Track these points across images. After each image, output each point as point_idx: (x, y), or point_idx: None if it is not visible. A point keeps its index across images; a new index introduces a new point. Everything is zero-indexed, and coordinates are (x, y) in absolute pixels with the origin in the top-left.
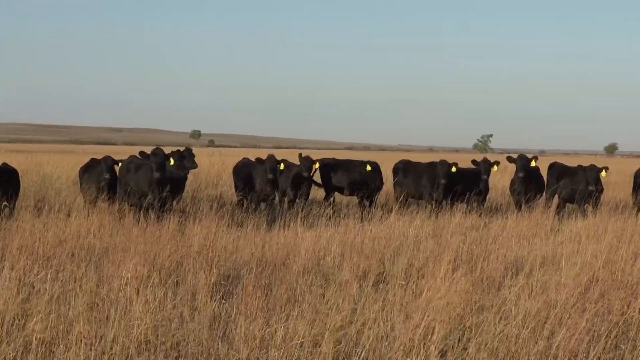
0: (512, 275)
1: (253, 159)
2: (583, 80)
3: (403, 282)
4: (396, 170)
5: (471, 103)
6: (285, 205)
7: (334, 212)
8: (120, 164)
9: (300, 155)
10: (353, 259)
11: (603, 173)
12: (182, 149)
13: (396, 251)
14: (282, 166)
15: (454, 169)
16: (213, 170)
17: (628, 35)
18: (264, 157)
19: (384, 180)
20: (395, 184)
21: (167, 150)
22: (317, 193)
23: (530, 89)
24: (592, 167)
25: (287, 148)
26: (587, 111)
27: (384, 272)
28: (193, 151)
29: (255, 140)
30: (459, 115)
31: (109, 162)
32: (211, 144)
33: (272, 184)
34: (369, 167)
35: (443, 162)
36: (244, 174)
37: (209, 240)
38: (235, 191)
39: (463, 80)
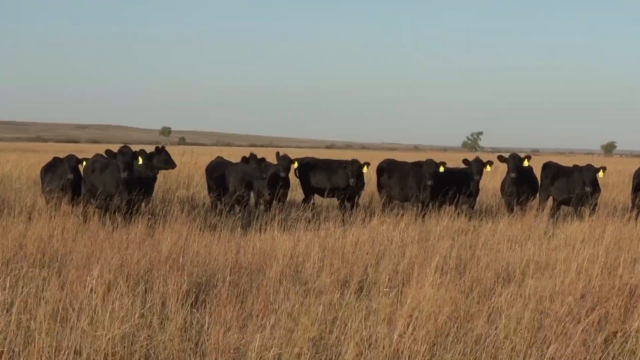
0: (503, 282)
1: (229, 158)
2: (580, 74)
3: (387, 290)
4: (380, 170)
5: (460, 99)
6: (262, 208)
7: (313, 215)
8: (84, 163)
9: (277, 154)
10: (334, 265)
11: (600, 173)
12: (160, 146)
13: (380, 257)
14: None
15: (441, 169)
16: (184, 170)
17: (626, 27)
18: (237, 156)
19: (366, 180)
20: (378, 185)
21: (135, 148)
22: (296, 195)
23: (523, 84)
24: (589, 167)
25: (263, 146)
26: (584, 107)
27: (366, 278)
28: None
29: (229, 137)
30: (447, 111)
31: (73, 161)
32: (182, 141)
33: (249, 185)
34: (366, 169)
35: (430, 162)
36: (218, 174)
37: (180, 245)
38: (208, 192)
39: (451, 75)
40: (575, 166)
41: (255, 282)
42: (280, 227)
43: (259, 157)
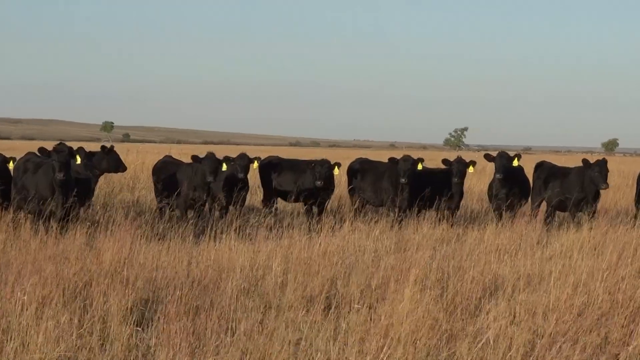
0: (490, 297)
1: (180, 158)
2: (577, 63)
3: (359, 307)
4: (352, 171)
5: (442, 91)
6: (217, 213)
7: (276, 222)
8: (13, 162)
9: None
10: (299, 278)
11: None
12: (109, 146)
13: (351, 269)
14: (224, 167)
15: (419, 167)
16: (129, 171)
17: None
18: (189, 155)
19: (336, 183)
20: (350, 188)
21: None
22: (256, 199)
23: (513, 74)
24: (603, 161)
25: (219, 144)
26: (582, 101)
27: (335, 294)
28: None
29: (180, 134)
30: (428, 105)
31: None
32: (126, 138)
33: (205, 188)
34: (337, 170)
35: (406, 158)
36: (167, 175)
37: (124, 256)
38: (156, 196)
39: (433, 64)
40: (586, 160)
41: (209, 298)
42: (238, 235)
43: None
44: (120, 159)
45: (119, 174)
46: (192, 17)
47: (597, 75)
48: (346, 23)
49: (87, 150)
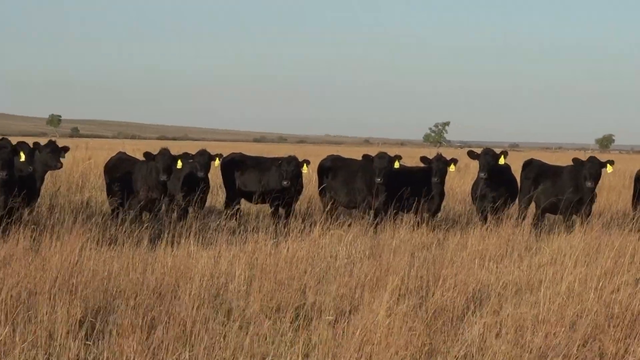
0: (475, 308)
1: (134, 155)
2: (568, 52)
3: (331, 318)
4: (322, 169)
5: (422, 82)
6: (175, 216)
7: (239, 225)
8: None
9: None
10: (264, 287)
11: (609, 168)
12: (54, 138)
13: (321, 277)
14: (179, 164)
15: (396, 165)
16: (77, 169)
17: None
18: (142, 151)
19: (305, 182)
20: (320, 188)
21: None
22: (217, 199)
23: (499, 66)
24: (593, 159)
25: (176, 139)
26: (575, 93)
27: (305, 304)
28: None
29: (134, 128)
30: (406, 97)
31: None
32: (75, 132)
33: (161, 188)
34: (305, 169)
35: (382, 156)
36: (120, 173)
37: (72, 263)
38: (108, 197)
39: (411, 54)
40: (576, 159)
41: (166, 308)
42: (198, 239)
43: (174, 152)
44: (54, 154)
45: (66, 172)
46: (148, 4)
47: (590, 66)
48: (317, 11)
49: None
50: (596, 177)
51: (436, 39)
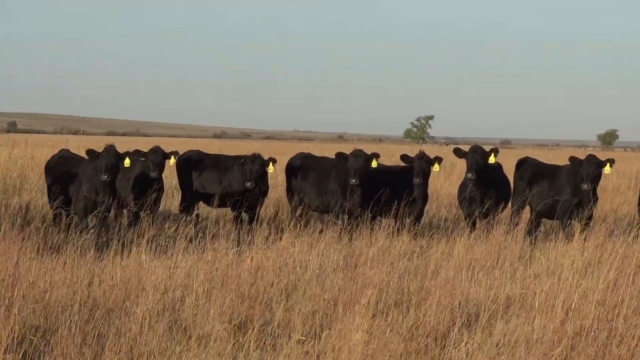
0: (462, 325)
1: (79, 152)
2: (566, 40)
3: (302, 337)
4: (291, 168)
5: (402, 72)
6: (125, 221)
7: (197, 232)
8: None
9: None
10: (225, 301)
11: (607, 168)
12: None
13: (290, 290)
14: (127, 162)
15: (374, 164)
16: (15, 169)
17: None
18: (92, 148)
19: (272, 183)
20: (289, 189)
21: None
22: (172, 202)
23: (488, 53)
24: (591, 158)
25: (126, 135)
26: (574, 84)
27: (271, 321)
28: None
29: (78, 122)
30: (384, 89)
31: None
32: (12, 127)
33: (108, 189)
34: (271, 168)
35: (357, 154)
36: (64, 173)
37: (9, 273)
38: (49, 200)
39: (390, 41)
40: (573, 158)
41: (115, 325)
42: (151, 248)
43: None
44: None
45: (3, 172)
46: None
47: (591, 54)
48: None
49: None
50: (594, 178)
51: (418, 24)
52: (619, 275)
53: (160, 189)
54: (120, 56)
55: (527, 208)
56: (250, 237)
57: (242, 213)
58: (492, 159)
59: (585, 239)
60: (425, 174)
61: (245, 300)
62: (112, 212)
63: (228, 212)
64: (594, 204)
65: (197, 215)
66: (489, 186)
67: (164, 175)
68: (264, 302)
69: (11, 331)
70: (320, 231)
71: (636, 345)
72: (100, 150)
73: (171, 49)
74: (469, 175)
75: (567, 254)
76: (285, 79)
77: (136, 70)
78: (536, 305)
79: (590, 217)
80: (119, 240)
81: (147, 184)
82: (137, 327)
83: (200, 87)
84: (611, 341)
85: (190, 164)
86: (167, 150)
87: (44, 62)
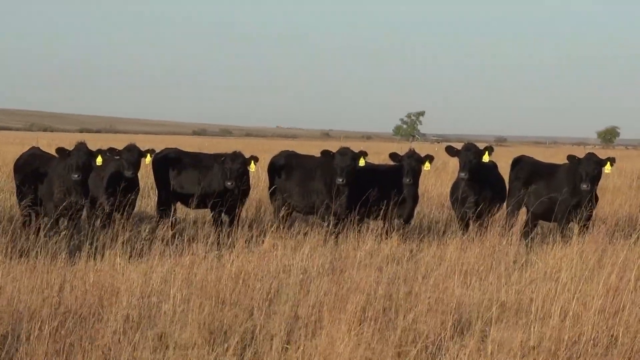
0: (454, 333)
1: (50, 150)
2: (564, 33)
3: (285, 345)
4: (274, 167)
5: (392, 67)
6: (98, 222)
7: (175, 234)
8: None
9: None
10: (204, 308)
11: (607, 167)
12: None
13: (272, 296)
14: (99, 160)
15: (361, 163)
16: None
17: None
18: (64, 146)
19: (253, 183)
20: (272, 190)
21: None
22: (149, 203)
23: (482, 47)
24: (591, 156)
25: (100, 132)
26: (572, 78)
27: (253, 328)
28: None
29: (49, 119)
30: (373, 84)
31: None
32: None
33: (80, 189)
34: (253, 167)
35: (344, 152)
36: (33, 172)
37: None
38: (18, 200)
39: (379, 34)
40: (572, 156)
41: (87, 333)
42: (125, 251)
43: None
44: None
45: None
46: None
47: (591, 46)
48: None
49: None
50: (594, 178)
51: (409, 14)
52: (620, 281)
53: (136, 189)
54: (94, 48)
55: (523, 209)
56: (230, 239)
57: (222, 214)
58: (486, 158)
59: (584, 242)
60: (416, 173)
61: (226, 306)
62: (85, 213)
63: (207, 214)
64: (593, 205)
65: (175, 217)
66: (483, 186)
67: (139, 174)
68: (245, 308)
69: None
70: (305, 233)
71: (638, 354)
72: (71, 149)
73: (148, 41)
74: (462, 174)
75: (565, 257)
76: (268, 72)
77: (111, 64)
78: (532, 311)
79: (589, 219)
80: (91, 243)
81: (121, 184)
82: (110, 335)
83: (178, 82)
84: (611, 350)
85: (168, 162)
86: (143, 148)
87: (12, 54)
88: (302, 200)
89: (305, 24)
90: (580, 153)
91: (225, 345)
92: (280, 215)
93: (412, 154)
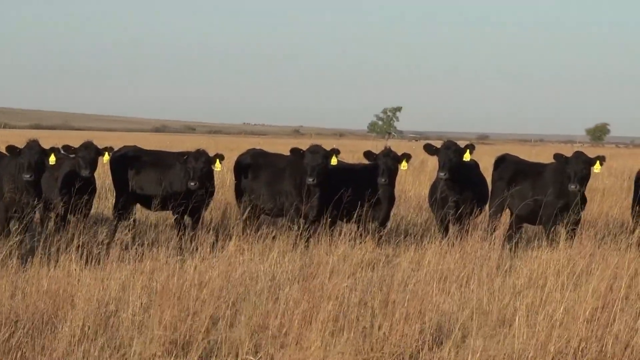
0: (433, 344)
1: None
2: (550, 23)
3: (251, 357)
4: (240, 166)
5: (367, 60)
6: (52, 225)
7: (134, 238)
8: None
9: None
10: (165, 316)
11: (597, 166)
12: None
13: (239, 304)
14: (52, 159)
15: (333, 161)
16: None
17: None
18: (16, 143)
19: (218, 183)
20: (238, 190)
21: None
22: (106, 204)
23: (463, 39)
24: (579, 155)
25: (55, 129)
26: (559, 72)
27: (218, 339)
28: None
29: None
30: (346, 78)
31: None
32: None
33: (32, 190)
34: (218, 166)
35: (315, 150)
36: None
37: None
38: None
39: (353, 24)
40: (559, 155)
41: (40, 343)
42: (81, 256)
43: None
44: None
45: None
46: None
47: (579, 39)
48: None
49: None
50: (582, 178)
51: (384, 1)
52: (611, 289)
53: (92, 190)
54: (47, 40)
55: (507, 211)
56: (194, 244)
57: (185, 217)
58: (467, 156)
59: (571, 247)
60: (392, 173)
61: (189, 315)
62: (38, 215)
63: (169, 216)
64: (581, 207)
65: (134, 220)
66: (464, 187)
67: (96, 174)
68: (209, 317)
69: None
70: (273, 237)
71: None
72: (22, 146)
73: (103, 31)
74: (442, 174)
75: (552, 263)
76: (234, 64)
77: (66, 56)
78: (516, 321)
79: (577, 222)
80: (45, 248)
81: (77, 184)
82: (65, 345)
83: (138, 75)
84: None
85: (126, 161)
86: (100, 145)
87: None
88: (270, 201)
89: (274, 15)
90: (568, 151)
91: (188, 356)
92: (247, 217)
93: (388, 152)
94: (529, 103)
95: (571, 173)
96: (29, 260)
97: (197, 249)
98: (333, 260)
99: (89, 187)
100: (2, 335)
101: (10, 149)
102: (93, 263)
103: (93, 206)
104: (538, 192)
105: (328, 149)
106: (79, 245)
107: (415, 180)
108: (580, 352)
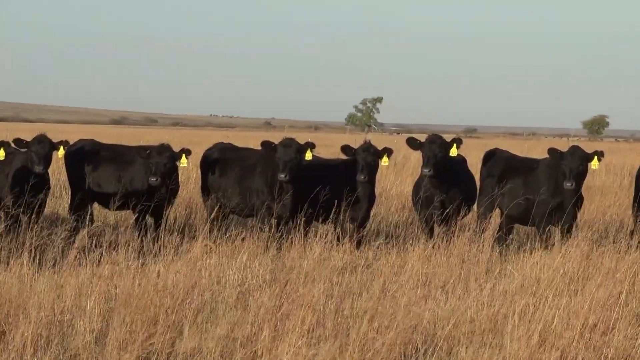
0: (416, 354)
1: None
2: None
3: None
4: (207, 162)
5: (345, 45)
6: (1, 226)
7: (92, 239)
8: None
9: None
10: (125, 324)
11: (594, 162)
12: None
13: (205, 311)
14: (1, 154)
15: (308, 156)
16: None
17: None
18: None
19: (183, 180)
20: (204, 188)
21: None
22: (62, 204)
23: (450, 25)
24: (575, 149)
25: (5, 121)
26: (554, 60)
27: (182, 349)
28: None
29: None
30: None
31: None
32: None
33: None
34: (184, 161)
35: (288, 143)
36: None
37: None
38: None
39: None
40: (553, 150)
41: None
42: (34, 260)
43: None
44: None
45: None
46: None
47: (576, 27)
48: None
49: None
50: (579, 175)
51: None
52: (609, 295)
53: (46, 188)
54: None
55: (497, 211)
56: (156, 246)
57: (147, 217)
58: (453, 151)
59: (566, 250)
60: (372, 169)
61: (150, 323)
62: None
63: (129, 216)
64: (578, 206)
65: (92, 220)
66: (450, 184)
67: (50, 170)
68: (172, 325)
69: None
70: (243, 239)
71: None
72: None
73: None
74: (426, 170)
75: (545, 267)
76: (200, 51)
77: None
78: (508, 330)
79: (573, 222)
80: None
81: (30, 181)
82: (16, 357)
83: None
84: None
85: (83, 156)
86: (55, 139)
87: None
88: (239, 200)
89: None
90: (563, 146)
91: None
92: (214, 217)
93: (367, 146)
94: (520, 94)
95: (566, 169)
96: None
97: (160, 252)
98: (307, 264)
99: (42, 184)
100: None
101: None
102: (47, 267)
103: (47, 205)
104: (530, 190)
105: (302, 142)
106: (31, 248)
107: (398, 177)
108: None
